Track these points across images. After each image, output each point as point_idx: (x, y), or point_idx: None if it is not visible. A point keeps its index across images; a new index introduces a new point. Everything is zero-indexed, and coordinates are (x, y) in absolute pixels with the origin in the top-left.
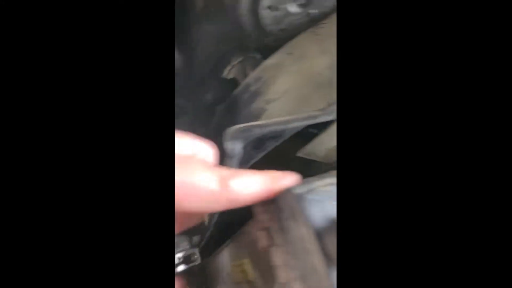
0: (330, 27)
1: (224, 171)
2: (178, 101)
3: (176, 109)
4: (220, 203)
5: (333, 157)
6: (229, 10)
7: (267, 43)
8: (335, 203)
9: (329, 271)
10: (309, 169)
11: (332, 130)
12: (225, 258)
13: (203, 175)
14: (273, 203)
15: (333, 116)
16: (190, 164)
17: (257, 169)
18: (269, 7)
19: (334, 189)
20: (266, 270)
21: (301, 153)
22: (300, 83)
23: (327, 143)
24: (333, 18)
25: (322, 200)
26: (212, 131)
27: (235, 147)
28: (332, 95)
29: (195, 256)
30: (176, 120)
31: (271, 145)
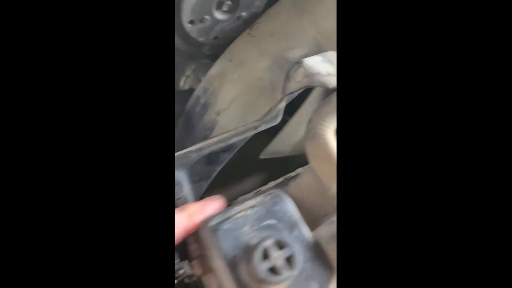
0: (265, 27)
1: None
2: None
3: None
4: None
5: (300, 150)
6: None
7: (206, 53)
8: (247, 228)
9: None
10: (279, 167)
11: (292, 123)
12: None
13: None
14: (196, 234)
15: (275, 121)
16: None
17: (220, 181)
18: (191, 22)
19: (252, 212)
20: None
21: (264, 155)
22: (244, 90)
23: (290, 138)
24: (267, 17)
25: (235, 228)
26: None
27: (178, 175)
28: (274, 98)
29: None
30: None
31: (225, 158)
